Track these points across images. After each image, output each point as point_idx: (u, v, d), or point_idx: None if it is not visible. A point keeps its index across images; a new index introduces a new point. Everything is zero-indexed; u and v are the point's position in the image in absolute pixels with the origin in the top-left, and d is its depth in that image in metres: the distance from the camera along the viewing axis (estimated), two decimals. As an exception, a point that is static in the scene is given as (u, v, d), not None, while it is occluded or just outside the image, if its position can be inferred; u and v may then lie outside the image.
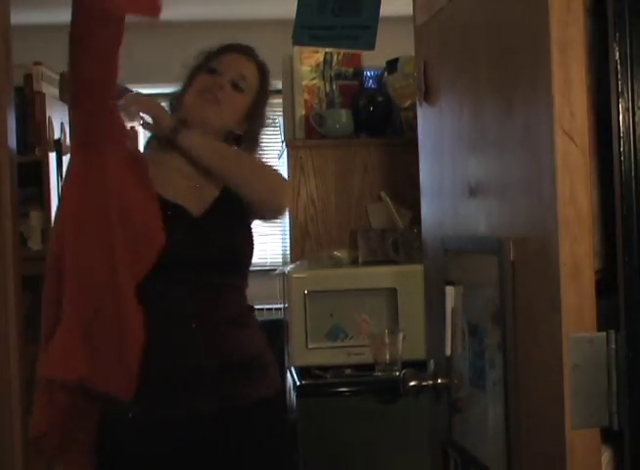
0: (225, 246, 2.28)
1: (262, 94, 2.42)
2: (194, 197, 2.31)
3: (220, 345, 2.23)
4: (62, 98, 3.85)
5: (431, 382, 1.90)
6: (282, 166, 3.88)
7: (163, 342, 2.18)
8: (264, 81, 2.43)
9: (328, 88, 3.69)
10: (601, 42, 1.37)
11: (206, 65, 2.37)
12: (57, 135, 3.61)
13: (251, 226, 2.40)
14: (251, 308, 2.37)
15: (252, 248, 2.38)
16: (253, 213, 2.39)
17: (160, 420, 2.18)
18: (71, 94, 2.18)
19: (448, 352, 1.79)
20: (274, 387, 2.33)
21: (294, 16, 2.53)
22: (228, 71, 2.35)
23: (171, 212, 2.24)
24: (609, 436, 1.38)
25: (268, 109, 2.48)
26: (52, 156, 3.57)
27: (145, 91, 6.73)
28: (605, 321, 1.36)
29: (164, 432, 2.19)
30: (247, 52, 2.44)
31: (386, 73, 3.75)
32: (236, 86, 2.35)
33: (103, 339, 2.16)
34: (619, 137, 1.33)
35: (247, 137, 2.41)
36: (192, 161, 2.32)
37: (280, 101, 3.89)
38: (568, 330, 1.34)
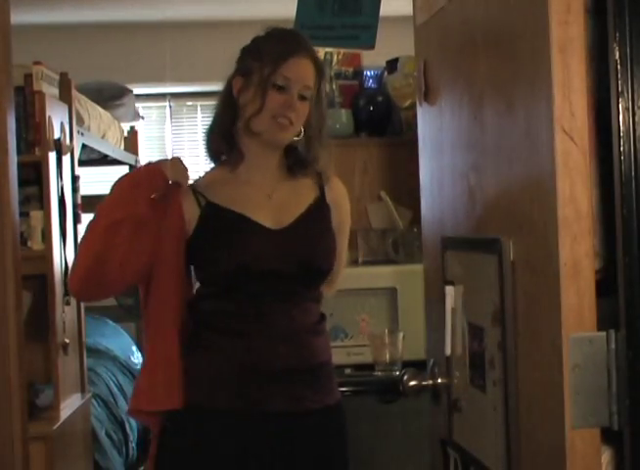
0: (305, 259, 2.31)
1: (319, 95, 2.38)
2: (270, 209, 2.34)
3: (299, 351, 2.30)
4: (62, 98, 3.85)
5: (431, 382, 1.90)
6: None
7: (250, 345, 2.27)
8: (321, 81, 2.38)
9: (328, 88, 3.68)
10: (601, 42, 1.37)
11: (275, 75, 2.28)
12: (57, 135, 3.61)
13: (333, 234, 2.40)
14: (324, 316, 2.41)
15: (332, 257, 2.38)
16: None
17: (236, 415, 2.26)
18: None
19: (448, 352, 1.79)
20: (337, 395, 2.40)
21: (294, 16, 2.54)
22: (295, 85, 2.29)
23: (248, 227, 2.29)
24: (609, 436, 1.38)
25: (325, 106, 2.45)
26: (52, 156, 3.56)
27: (145, 91, 6.74)
28: (605, 321, 1.36)
29: (238, 425, 2.27)
30: (308, 53, 2.35)
31: (386, 73, 3.75)
32: (302, 97, 2.31)
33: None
34: (619, 137, 1.33)
35: (305, 141, 2.38)
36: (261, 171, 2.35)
37: (280, 101, 3.89)
38: (568, 330, 1.34)
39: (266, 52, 2.30)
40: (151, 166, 2.33)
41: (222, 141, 2.35)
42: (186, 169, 2.34)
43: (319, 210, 2.38)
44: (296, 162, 2.38)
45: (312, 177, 2.41)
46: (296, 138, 2.35)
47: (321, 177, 2.41)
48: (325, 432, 2.34)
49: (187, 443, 2.27)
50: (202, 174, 2.43)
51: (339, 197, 2.45)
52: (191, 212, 2.30)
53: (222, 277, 2.28)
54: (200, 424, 2.27)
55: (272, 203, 2.34)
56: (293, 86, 2.28)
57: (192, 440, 2.27)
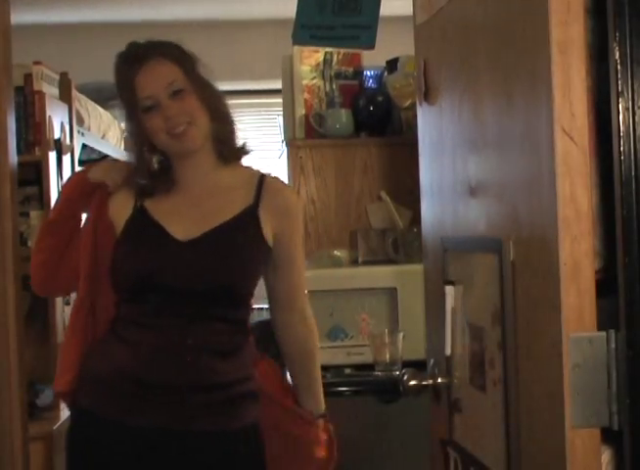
0: (209, 275, 2.22)
1: (196, 77, 2.27)
2: (194, 218, 2.28)
3: (192, 369, 2.21)
4: (62, 98, 3.85)
5: (431, 382, 1.90)
6: (282, 166, 3.89)
7: (146, 360, 2.23)
8: (188, 63, 2.27)
9: (328, 88, 3.69)
10: (601, 42, 1.37)
11: (135, 101, 2.23)
12: (57, 135, 3.60)
13: (261, 248, 2.29)
14: (245, 338, 2.30)
15: (250, 274, 2.28)
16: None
17: (128, 429, 2.22)
18: None
19: (448, 351, 1.79)
20: (244, 421, 2.26)
21: (293, 15, 2.53)
22: (159, 95, 2.21)
23: (156, 238, 2.25)
24: (609, 436, 1.38)
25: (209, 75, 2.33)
26: (52, 156, 3.56)
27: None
28: (605, 321, 1.36)
29: (131, 439, 2.22)
30: (152, 55, 2.25)
31: (386, 73, 3.75)
32: (176, 93, 2.22)
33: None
34: (619, 137, 1.33)
35: (219, 128, 2.30)
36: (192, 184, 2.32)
37: (280, 101, 3.89)
38: (568, 330, 1.34)
39: (119, 81, 2.29)
40: (78, 173, 2.45)
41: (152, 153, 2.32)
42: (115, 169, 2.32)
43: (244, 220, 2.27)
44: (219, 150, 2.31)
45: (252, 177, 2.33)
46: None
47: (262, 180, 2.32)
48: (217, 456, 2.23)
49: (73, 440, 2.31)
50: None
51: (280, 202, 2.31)
52: (122, 215, 2.29)
53: (124, 286, 2.26)
54: (83, 427, 2.28)
55: (200, 210, 2.28)
56: (157, 98, 2.21)
57: (78, 439, 2.29)
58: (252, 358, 2.33)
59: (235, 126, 2.35)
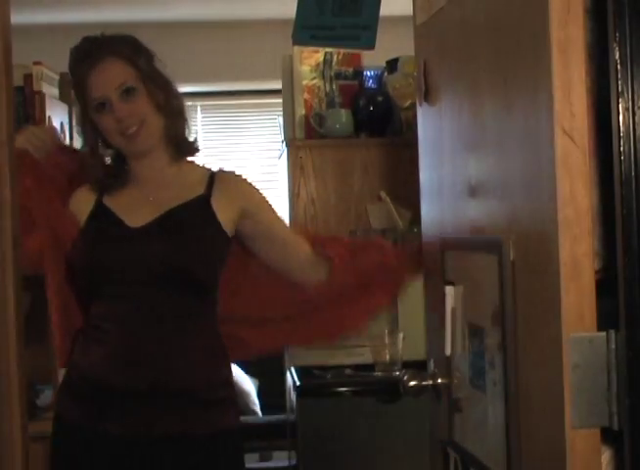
0: (164, 261, 2.21)
1: (145, 73, 2.27)
2: (143, 210, 2.28)
3: (152, 372, 2.19)
4: (62, 98, 3.85)
5: (431, 382, 1.90)
6: (282, 166, 3.88)
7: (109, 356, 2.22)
8: (137, 60, 2.27)
9: (328, 88, 3.69)
10: (601, 42, 1.37)
11: (88, 101, 2.24)
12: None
13: (218, 233, 2.27)
14: (216, 338, 2.28)
15: (207, 265, 2.26)
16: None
17: (101, 435, 2.22)
18: None
19: (448, 351, 1.79)
20: (215, 426, 2.24)
21: (294, 16, 2.53)
22: (109, 95, 2.22)
23: (109, 227, 2.27)
24: (609, 436, 1.38)
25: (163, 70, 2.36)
26: (52, 156, 3.56)
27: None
28: (605, 321, 1.36)
29: (106, 446, 2.22)
30: (104, 54, 2.25)
31: (386, 73, 3.75)
32: (128, 92, 2.23)
33: None
34: (619, 137, 1.33)
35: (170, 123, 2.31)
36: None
37: (280, 101, 3.89)
38: (568, 330, 1.34)
39: (73, 78, 2.30)
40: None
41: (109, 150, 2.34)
42: (35, 136, 2.29)
43: (195, 205, 2.28)
44: (173, 145, 2.32)
45: (206, 172, 2.36)
46: None
47: (213, 174, 2.35)
48: (180, 461, 2.22)
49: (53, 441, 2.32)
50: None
51: (233, 188, 2.34)
52: (83, 210, 2.29)
53: (83, 280, 2.27)
54: (55, 428, 2.31)
55: (154, 201, 2.29)
56: (109, 99, 2.22)
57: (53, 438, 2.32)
58: (226, 361, 2.29)
59: (188, 121, 2.37)
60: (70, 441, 2.25)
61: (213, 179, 2.33)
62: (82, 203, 2.30)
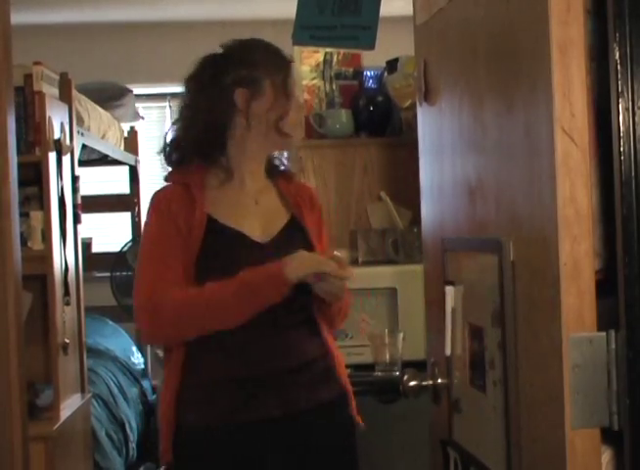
0: None
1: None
2: (258, 216, 2.36)
3: (286, 349, 2.29)
4: (62, 98, 3.85)
5: (431, 382, 1.90)
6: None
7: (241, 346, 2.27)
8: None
9: (328, 88, 3.69)
10: (601, 42, 1.37)
11: (286, 82, 2.37)
12: (57, 135, 3.60)
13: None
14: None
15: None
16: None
17: (235, 425, 2.26)
18: None
19: (448, 351, 1.79)
20: (335, 390, 2.38)
21: (293, 16, 2.53)
22: (296, 90, 2.47)
23: (236, 240, 2.30)
24: (609, 436, 1.38)
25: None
26: (52, 156, 3.55)
27: (145, 91, 6.74)
28: (605, 321, 1.36)
29: (239, 436, 2.26)
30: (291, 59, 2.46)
31: (386, 73, 3.75)
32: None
33: None
34: (619, 137, 1.33)
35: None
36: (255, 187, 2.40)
37: (280, 101, 3.89)
38: (568, 330, 1.34)
39: (269, 63, 2.35)
40: (273, 271, 2.21)
41: (213, 148, 2.35)
42: (311, 266, 2.24)
43: (300, 220, 2.39)
44: (273, 166, 2.45)
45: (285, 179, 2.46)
46: None
47: (289, 179, 2.47)
48: (315, 430, 2.34)
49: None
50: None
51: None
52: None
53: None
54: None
55: (259, 209, 2.36)
56: (295, 92, 2.40)
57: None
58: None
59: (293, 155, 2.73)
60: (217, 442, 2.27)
61: (291, 189, 2.48)
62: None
